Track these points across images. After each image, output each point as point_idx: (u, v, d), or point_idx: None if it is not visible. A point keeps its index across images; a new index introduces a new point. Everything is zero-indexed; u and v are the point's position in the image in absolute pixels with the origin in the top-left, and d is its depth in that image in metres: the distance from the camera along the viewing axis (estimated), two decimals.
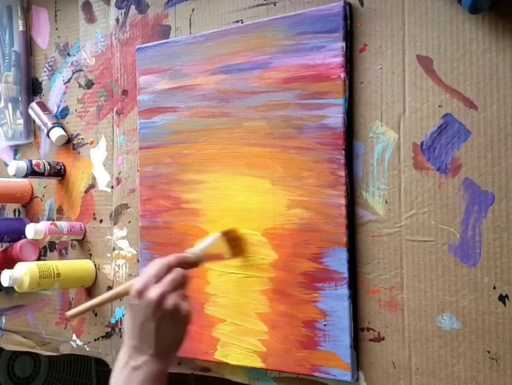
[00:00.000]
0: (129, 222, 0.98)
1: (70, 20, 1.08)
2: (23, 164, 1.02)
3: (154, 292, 0.63)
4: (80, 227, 1.04)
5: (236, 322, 0.82)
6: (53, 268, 0.95)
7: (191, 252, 0.74)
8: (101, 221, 1.02)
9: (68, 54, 1.09)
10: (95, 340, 1.02)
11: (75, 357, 1.68)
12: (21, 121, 1.13)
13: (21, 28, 1.13)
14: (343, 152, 0.74)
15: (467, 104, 0.68)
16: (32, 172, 1.03)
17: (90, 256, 1.04)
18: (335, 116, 0.74)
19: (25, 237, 1.01)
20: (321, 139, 0.75)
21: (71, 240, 1.05)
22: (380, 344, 0.73)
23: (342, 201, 0.74)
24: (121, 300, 0.98)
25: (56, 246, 1.08)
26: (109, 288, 1.00)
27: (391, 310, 0.72)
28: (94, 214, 1.03)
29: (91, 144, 1.04)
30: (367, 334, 0.74)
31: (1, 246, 1.12)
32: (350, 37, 0.75)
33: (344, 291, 0.74)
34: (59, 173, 1.07)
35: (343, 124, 0.74)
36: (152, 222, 0.91)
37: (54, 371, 1.64)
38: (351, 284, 0.74)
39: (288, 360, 0.78)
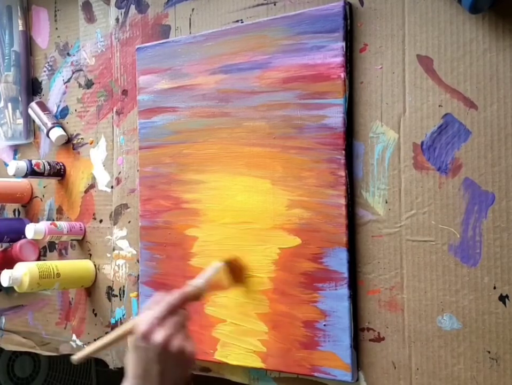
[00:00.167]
0: (129, 222, 0.98)
1: (70, 20, 1.08)
2: (23, 164, 1.02)
3: (159, 336, 0.62)
4: (80, 227, 1.04)
5: (236, 322, 0.82)
6: (53, 268, 0.95)
7: (193, 284, 0.73)
8: (101, 221, 1.02)
9: (68, 54, 1.09)
10: (95, 340, 1.02)
11: None
12: (20, 121, 1.13)
13: (20, 28, 1.13)
14: (343, 152, 0.74)
15: (467, 104, 0.68)
16: (32, 172, 1.03)
17: (89, 256, 1.04)
18: (335, 116, 0.74)
19: (25, 237, 1.01)
20: (321, 139, 0.75)
21: (71, 240, 1.05)
22: (380, 344, 0.73)
23: (342, 201, 0.74)
24: (120, 299, 0.98)
25: (56, 246, 1.08)
26: (109, 288, 1.00)
27: (391, 310, 0.72)
28: (94, 214, 1.03)
29: (90, 144, 1.04)
30: (367, 334, 0.74)
31: (1, 246, 1.12)
32: (350, 37, 0.75)
33: (344, 291, 0.74)
34: (58, 173, 1.07)
35: (343, 124, 0.74)
36: (152, 222, 0.91)
37: (54, 371, 1.64)
38: (351, 284, 0.74)
39: (288, 360, 0.78)
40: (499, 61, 0.66)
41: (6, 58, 1.14)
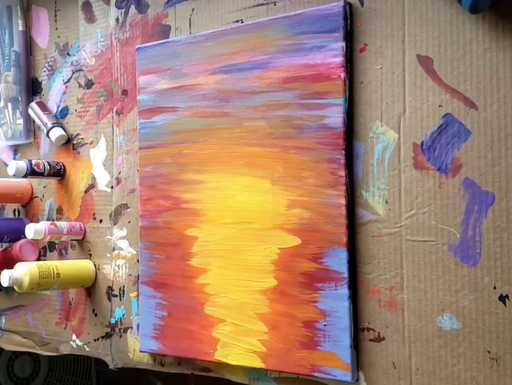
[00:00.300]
0: (129, 222, 0.98)
1: (70, 20, 1.08)
2: (22, 164, 1.02)
3: None
4: (80, 227, 1.04)
5: (236, 322, 0.82)
6: (53, 268, 0.95)
7: None
8: (101, 221, 1.02)
9: (68, 54, 1.09)
10: (95, 340, 1.02)
11: (75, 357, 1.68)
12: (20, 121, 1.13)
13: (20, 28, 1.13)
14: (343, 152, 0.74)
15: (467, 104, 0.68)
16: (32, 172, 1.03)
17: (89, 256, 1.04)
18: (335, 116, 0.74)
19: (25, 237, 1.01)
20: (321, 139, 0.75)
21: (71, 240, 1.05)
22: (380, 344, 0.73)
23: (342, 201, 0.74)
24: (120, 299, 0.98)
25: (56, 246, 1.08)
26: (109, 288, 1.00)
27: (391, 310, 0.72)
28: (94, 214, 1.03)
29: (90, 144, 1.04)
30: (368, 334, 0.74)
31: (1, 246, 1.12)
32: (350, 37, 0.75)
33: (344, 291, 0.74)
34: (58, 173, 1.07)
35: (343, 124, 0.74)
36: (152, 222, 0.91)
37: (54, 371, 1.64)
38: (351, 284, 0.74)
39: (288, 360, 0.78)
40: (499, 61, 0.66)
41: (6, 58, 1.14)
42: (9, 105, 1.14)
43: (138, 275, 0.94)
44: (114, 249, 1.00)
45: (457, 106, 0.68)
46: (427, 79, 0.70)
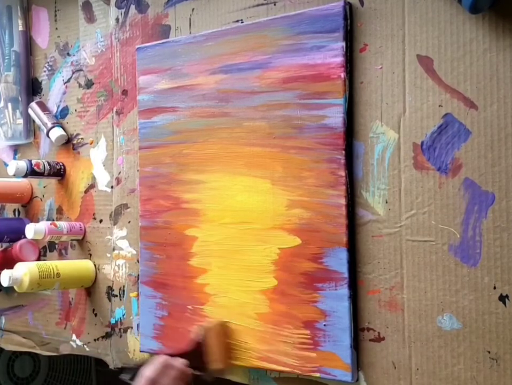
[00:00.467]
0: (129, 222, 0.98)
1: (70, 20, 1.08)
2: (22, 164, 1.02)
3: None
4: (80, 227, 1.04)
5: (236, 322, 0.82)
6: (53, 268, 0.95)
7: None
8: (101, 221, 1.02)
9: (68, 54, 1.09)
10: (95, 340, 1.02)
11: (75, 357, 1.67)
12: (20, 121, 1.13)
13: (20, 28, 1.13)
14: (343, 152, 0.74)
15: (467, 104, 0.68)
16: (32, 172, 1.03)
17: (89, 256, 1.04)
18: (335, 116, 0.74)
19: (25, 237, 1.01)
20: (321, 139, 0.75)
21: (71, 240, 1.05)
22: (380, 344, 0.73)
23: (342, 201, 0.74)
24: (120, 299, 0.98)
25: (56, 246, 1.08)
26: (109, 288, 1.00)
27: (391, 310, 0.72)
28: (94, 214, 1.03)
29: (90, 144, 1.04)
30: (368, 334, 0.74)
31: (1, 246, 1.12)
32: (350, 37, 0.75)
33: (344, 291, 0.74)
34: (58, 173, 1.07)
35: (343, 124, 0.74)
36: (152, 222, 0.91)
37: (54, 371, 1.64)
38: (351, 284, 0.74)
39: (288, 360, 0.78)
40: (499, 61, 0.66)
41: (6, 58, 1.14)
42: (9, 105, 1.14)
43: (138, 275, 0.94)
44: (114, 249, 1.00)
45: (457, 106, 0.68)
46: (427, 79, 0.70)
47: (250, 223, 0.81)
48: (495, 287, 0.66)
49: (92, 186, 1.04)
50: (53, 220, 1.08)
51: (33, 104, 1.09)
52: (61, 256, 1.07)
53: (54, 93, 1.10)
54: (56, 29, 1.11)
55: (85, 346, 1.04)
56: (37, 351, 1.12)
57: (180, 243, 0.88)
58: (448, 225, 0.69)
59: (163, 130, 0.90)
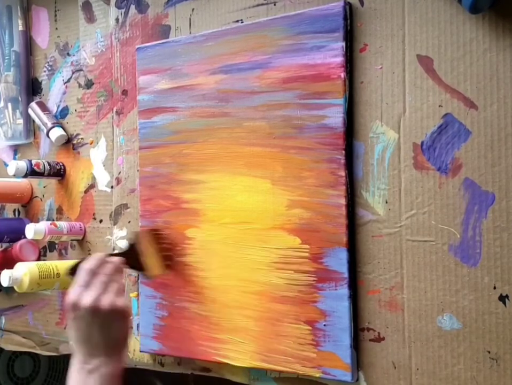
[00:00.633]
0: (129, 222, 0.98)
1: (70, 20, 1.08)
2: (22, 164, 1.02)
3: (86, 300, 0.65)
4: (80, 227, 1.04)
5: (236, 322, 0.82)
6: (52, 268, 0.95)
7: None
8: (101, 221, 1.02)
9: (68, 54, 1.09)
10: None
11: None
12: (20, 121, 1.13)
13: (20, 28, 1.13)
14: (343, 152, 0.74)
15: (467, 104, 0.68)
16: (32, 172, 1.03)
17: (89, 256, 1.04)
18: (335, 116, 0.74)
19: (25, 237, 1.01)
20: (321, 139, 0.75)
21: (71, 240, 1.05)
22: (380, 344, 0.73)
23: (342, 201, 0.74)
24: None
25: (56, 246, 1.08)
26: None
27: (391, 310, 0.72)
28: (94, 214, 1.03)
29: (90, 144, 1.04)
30: (368, 334, 0.74)
31: (1, 246, 1.12)
32: (350, 36, 0.75)
33: (344, 291, 0.74)
34: (58, 173, 1.07)
35: (343, 124, 0.74)
36: (152, 222, 0.91)
37: (54, 371, 1.64)
38: (351, 284, 0.74)
39: (288, 360, 0.78)
40: (499, 61, 0.66)
41: (6, 58, 1.14)
42: (9, 105, 1.14)
43: (138, 275, 0.94)
44: (114, 249, 1.00)
45: (457, 106, 0.68)
46: (427, 79, 0.70)
47: (250, 223, 0.81)
48: (495, 287, 0.66)
49: (92, 186, 1.04)
50: (53, 220, 1.08)
51: (33, 104, 1.09)
52: (61, 256, 1.07)
53: (54, 93, 1.10)
54: (56, 29, 1.11)
55: None
56: (37, 351, 1.12)
57: (180, 243, 0.88)
58: (448, 225, 0.69)
59: (163, 130, 0.90)
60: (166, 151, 0.90)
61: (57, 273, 0.95)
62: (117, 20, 1.00)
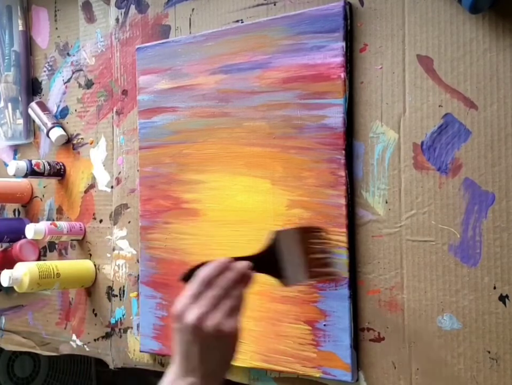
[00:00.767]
0: (129, 222, 0.98)
1: (70, 20, 1.08)
2: (22, 164, 1.02)
3: (191, 316, 0.58)
4: (80, 227, 1.04)
5: None
6: (53, 268, 0.95)
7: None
8: (101, 221, 1.02)
9: (68, 54, 1.09)
10: (95, 340, 1.02)
11: (74, 357, 1.67)
12: (20, 121, 1.13)
13: (20, 28, 1.13)
14: (343, 152, 0.74)
15: (467, 104, 0.68)
16: (32, 172, 1.03)
17: (89, 256, 1.04)
18: (335, 116, 0.74)
19: (25, 237, 1.01)
20: (321, 139, 0.75)
21: (71, 240, 1.05)
22: (380, 344, 0.73)
23: (342, 201, 0.74)
24: (120, 299, 0.98)
25: (56, 246, 1.08)
26: (109, 288, 1.00)
27: (391, 310, 0.72)
28: (94, 214, 1.03)
29: (90, 143, 1.04)
30: (368, 334, 0.74)
31: (1, 246, 1.12)
32: (350, 36, 0.75)
33: (344, 291, 0.74)
34: (58, 173, 1.07)
35: (343, 124, 0.74)
36: (152, 222, 0.91)
37: (54, 371, 1.64)
38: (351, 284, 0.74)
39: (288, 360, 0.78)
40: (499, 61, 0.66)
41: (6, 58, 1.14)
42: (9, 105, 1.14)
43: (138, 275, 0.94)
44: (114, 249, 1.00)
45: (457, 106, 0.68)
46: (427, 79, 0.70)
47: (251, 223, 0.81)
48: (495, 287, 0.66)
49: (92, 186, 1.04)
50: (53, 220, 1.08)
51: (33, 104, 1.09)
52: (61, 256, 1.07)
53: (54, 93, 1.10)
54: (56, 29, 1.11)
55: (85, 346, 1.04)
56: (37, 351, 1.12)
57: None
58: (448, 225, 0.69)
59: (163, 130, 0.90)
60: (166, 151, 0.90)
61: (57, 273, 0.95)
62: (117, 20, 1.00)
